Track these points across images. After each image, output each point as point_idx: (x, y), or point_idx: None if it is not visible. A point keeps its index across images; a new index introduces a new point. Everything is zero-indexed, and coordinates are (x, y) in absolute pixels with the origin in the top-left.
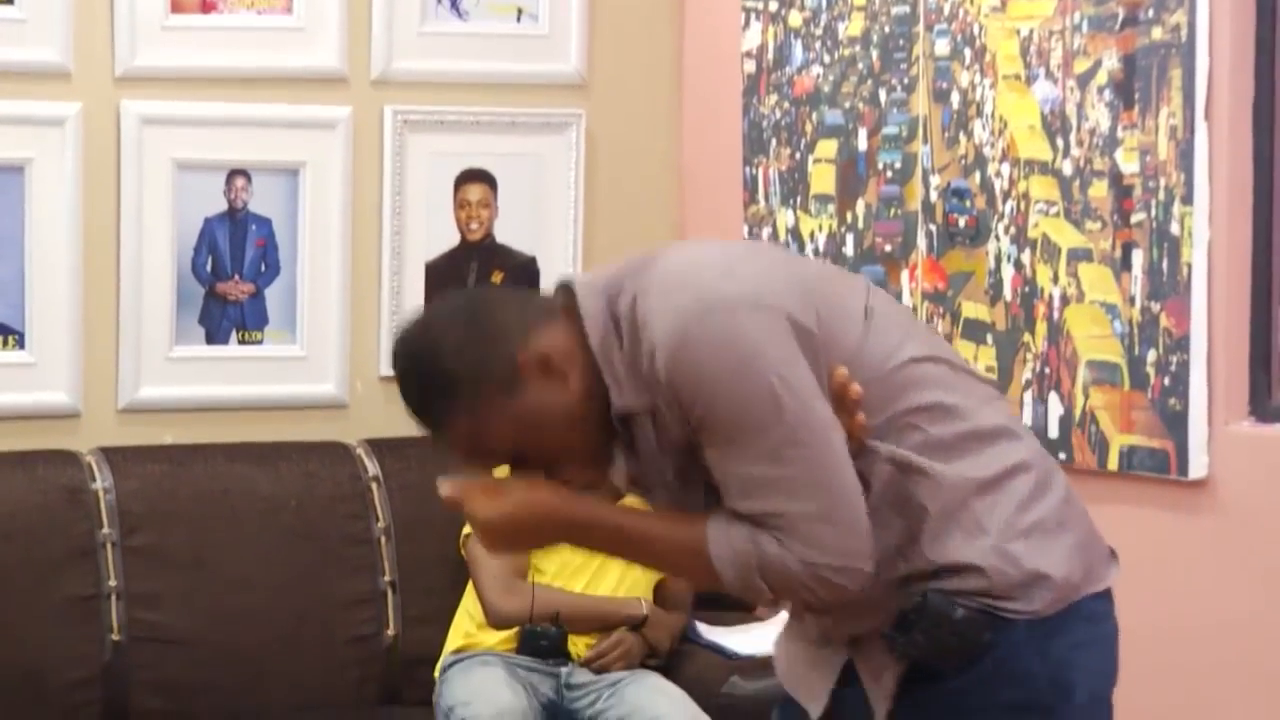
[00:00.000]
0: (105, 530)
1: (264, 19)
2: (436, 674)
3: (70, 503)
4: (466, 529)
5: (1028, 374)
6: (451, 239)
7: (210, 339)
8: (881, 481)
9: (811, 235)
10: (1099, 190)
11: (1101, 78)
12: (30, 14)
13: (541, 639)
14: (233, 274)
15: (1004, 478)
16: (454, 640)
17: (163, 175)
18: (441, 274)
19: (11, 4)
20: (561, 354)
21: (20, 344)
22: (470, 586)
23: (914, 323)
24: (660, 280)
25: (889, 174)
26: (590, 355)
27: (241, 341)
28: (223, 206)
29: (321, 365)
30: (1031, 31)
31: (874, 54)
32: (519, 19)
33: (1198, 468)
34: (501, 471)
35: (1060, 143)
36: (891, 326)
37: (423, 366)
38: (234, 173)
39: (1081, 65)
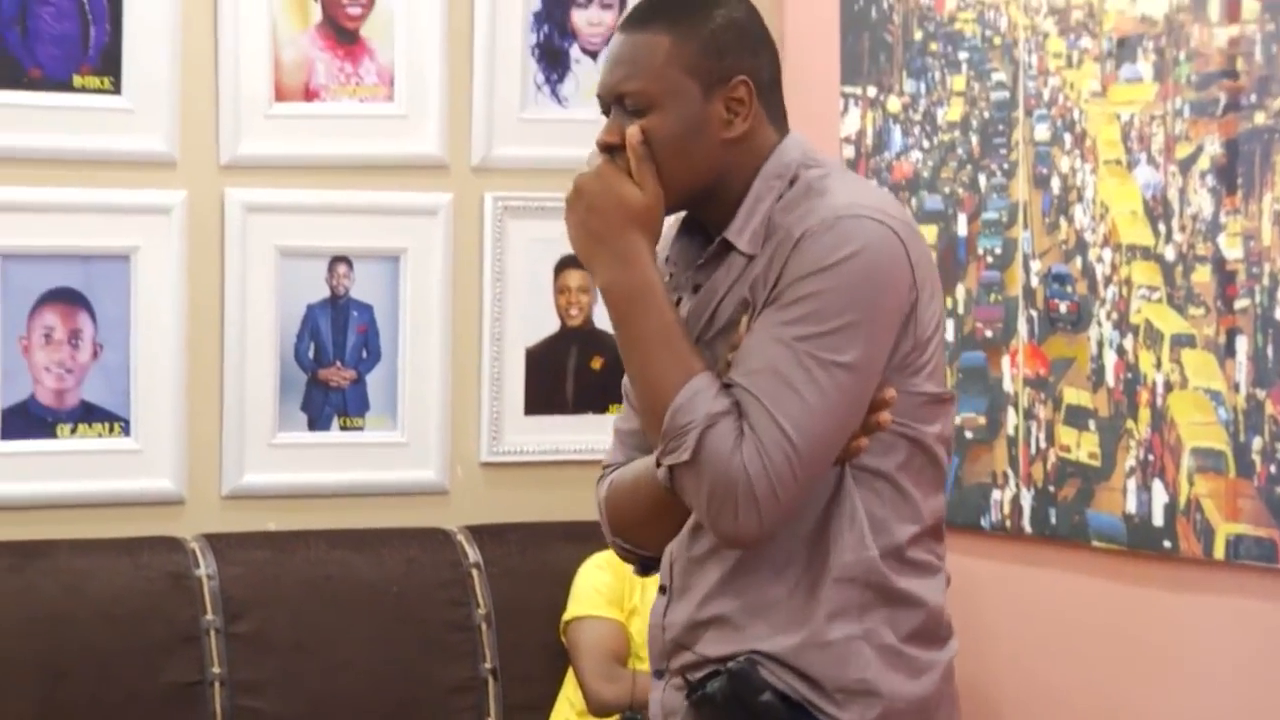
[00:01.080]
0: (209, 617)
1: (366, 107)
2: None
3: (174, 589)
4: (567, 615)
5: (1131, 461)
6: (552, 325)
7: (312, 425)
8: (822, 500)
9: None
10: (1202, 276)
11: (1204, 163)
12: (137, 104)
13: None
14: (334, 360)
15: (909, 602)
16: None
17: (266, 262)
18: (542, 360)
19: (119, 94)
20: (746, 133)
21: (126, 431)
22: (570, 674)
23: (942, 473)
24: (865, 183)
25: (989, 259)
26: (750, 178)
27: (343, 428)
28: (325, 293)
29: (422, 451)
30: (1132, 116)
31: (973, 139)
32: None
33: None
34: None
35: (1162, 228)
36: (945, 420)
37: None
38: (336, 259)
39: (1183, 150)
